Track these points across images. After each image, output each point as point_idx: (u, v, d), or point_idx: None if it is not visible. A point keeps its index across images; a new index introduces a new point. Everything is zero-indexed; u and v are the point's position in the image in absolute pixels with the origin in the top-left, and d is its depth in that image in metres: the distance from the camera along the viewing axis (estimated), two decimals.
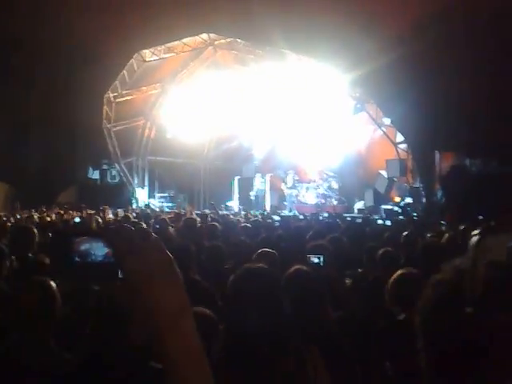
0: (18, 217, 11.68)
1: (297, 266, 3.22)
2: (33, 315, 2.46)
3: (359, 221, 10.39)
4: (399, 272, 3.19)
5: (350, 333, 3.04)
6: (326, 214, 12.52)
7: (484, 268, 1.01)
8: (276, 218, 10.58)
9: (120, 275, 0.96)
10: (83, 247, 1.00)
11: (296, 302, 2.75)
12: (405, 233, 6.40)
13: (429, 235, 7.67)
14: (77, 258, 1.00)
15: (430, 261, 3.81)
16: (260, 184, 22.67)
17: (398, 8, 14.05)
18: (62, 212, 13.87)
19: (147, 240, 0.98)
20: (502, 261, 1.01)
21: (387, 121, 18.53)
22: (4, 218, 10.66)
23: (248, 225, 7.94)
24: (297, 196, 22.02)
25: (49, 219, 10.99)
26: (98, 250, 1.00)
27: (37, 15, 18.62)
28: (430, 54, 15.43)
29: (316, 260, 3.75)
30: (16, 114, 23.55)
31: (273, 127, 22.37)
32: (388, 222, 9.84)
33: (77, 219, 10.34)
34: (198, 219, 7.57)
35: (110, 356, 2.07)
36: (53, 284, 2.63)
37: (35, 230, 5.68)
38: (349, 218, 10.86)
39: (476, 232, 1.07)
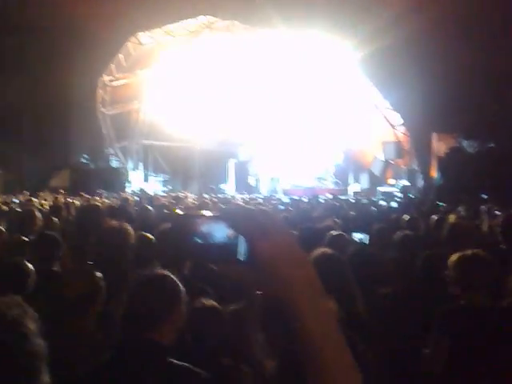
0: (17, 201, 11.53)
1: (321, 249, 3.14)
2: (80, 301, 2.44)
3: (365, 201, 10.36)
4: (463, 253, 3.13)
5: (403, 308, 3.00)
6: (329, 196, 12.46)
7: None
8: (284, 200, 10.48)
9: (239, 257, 0.93)
10: (204, 228, 0.97)
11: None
12: (406, 216, 6.34)
13: (434, 216, 7.67)
14: (197, 239, 0.97)
15: (459, 242, 3.78)
16: (256, 168, 22.64)
17: None
18: (58, 197, 13.70)
19: (273, 221, 0.94)
20: None
21: (385, 103, 18.48)
22: None
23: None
24: (292, 179, 21.99)
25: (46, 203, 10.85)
26: (219, 231, 0.96)
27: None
28: (428, 35, 15.37)
29: (360, 237, 3.70)
30: (8, 99, 23.19)
31: (269, 111, 22.22)
32: (394, 204, 9.83)
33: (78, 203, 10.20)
34: (209, 202, 7.48)
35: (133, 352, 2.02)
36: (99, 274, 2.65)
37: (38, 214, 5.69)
38: (352, 200, 10.82)
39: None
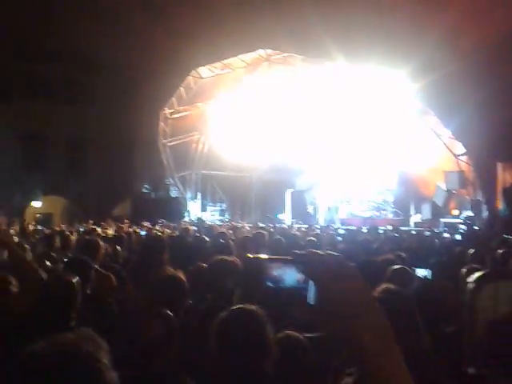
0: (81, 229, 11.98)
1: (385, 285, 3.04)
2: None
3: (427, 233, 10.05)
4: None
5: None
6: (389, 227, 12.18)
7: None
8: (341, 231, 10.34)
9: (309, 301, 0.96)
10: (276, 272, 1.01)
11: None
12: (471, 250, 6.05)
13: (500, 250, 7.33)
14: (269, 283, 1.01)
15: None
16: (313, 197, 22.54)
17: (471, 23, 13.79)
18: (121, 225, 14.12)
19: (343, 267, 0.97)
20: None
21: (447, 132, 18.03)
22: (67, 232, 10.90)
23: (313, 238, 7.81)
24: (350, 209, 21.70)
25: (110, 232, 11.21)
26: (290, 275, 1.00)
27: (98, 35, 19.28)
28: (492, 66, 14.98)
29: (424, 273, 3.60)
30: (75, 131, 24.43)
31: (325, 141, 22.18)
32: (458, 236, 9.47)
33: (142, 232, 10.47)
34: (265, 233, 7.49)
35: None
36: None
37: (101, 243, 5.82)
38: (414, 232, 10.51)
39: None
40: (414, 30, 14.47)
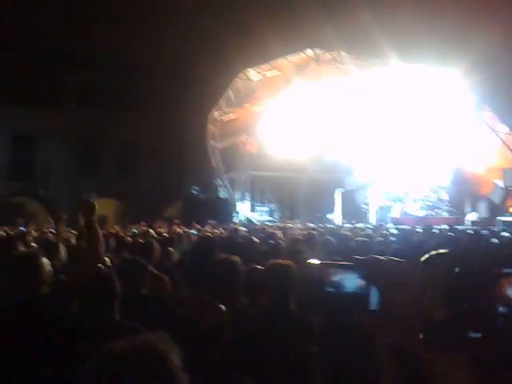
0: (136, 231, 12.24)
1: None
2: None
3: (484, 232, 9.66)
4: None
5: None
6: (445, 227, 11.79)
7: None
8: (393, 231, 10.11)
9: (371, 307, 0.95)
10: (336, 278, 1.00)
11: None
12: None
13: None
14: (329, 289, 1.00)
15: None
16: (364, 197, 22.20)
17: None
18: (173, 227, 14.33)
19: (404, 272, 0.97)
20: None
21: (504, 128, 17.33)
22: (121, 233, 11.14)
23: (366, 239, 7.65)
24: (403, 208, 21.21)
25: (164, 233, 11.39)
26: (350, 281, 0.99)
27: (150, 44, 19.70)
28: None
29: None
30: (126, 137, 25.12)
31: (376, 139, 21.76)
32: None
33: (193, 232, 10.57)
34: (315, 233, 7.40)
35: None
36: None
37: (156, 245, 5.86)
38: (470, 231, 10.13)
39: None
40: (469, 25, 13.99)
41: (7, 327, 2.68)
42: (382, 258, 1.01)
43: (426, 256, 2.61)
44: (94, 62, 22.65)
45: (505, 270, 1.01)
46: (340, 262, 1.03)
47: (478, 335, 1.31)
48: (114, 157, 25.73)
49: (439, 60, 15.98)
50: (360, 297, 0.96)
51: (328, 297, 0.99)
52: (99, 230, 3.97)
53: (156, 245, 5.90)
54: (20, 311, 2.75)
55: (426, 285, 2.17)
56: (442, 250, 2.76)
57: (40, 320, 2.76)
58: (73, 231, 10.58)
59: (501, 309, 0.92)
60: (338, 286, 0.99)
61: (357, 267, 0.99)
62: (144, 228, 12.66)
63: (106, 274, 3.15)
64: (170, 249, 7.43)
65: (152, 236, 9.64)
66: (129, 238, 9.67)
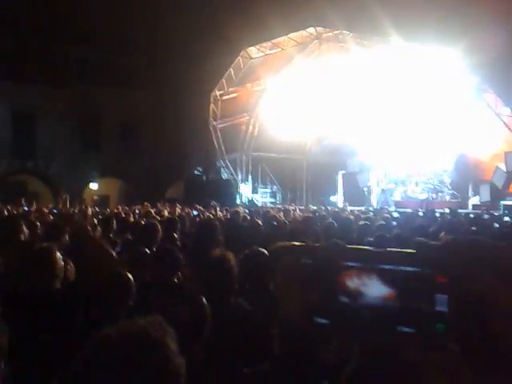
0: (137, 211, 12.27)
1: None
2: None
3: (486, 217, 9.66)
4: None
5: None
6: (447, 210, 11.79)
7: None
8: (395, 214, 10.10)
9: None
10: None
11: None
12: None
13: None
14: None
15: None
16: (366, 179, 22.15)
17: None
18: (176, 208, 14.34)
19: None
20: None
21: (507, 111, 17.19)
22: (123, 214, 11.13)
23: (367, 222, 7.65)
24: (405, 191, 21.19)
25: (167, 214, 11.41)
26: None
27: (149, 20, 19.50)
28: None
29: None
30: (128, 115, 24.98)
31: (378, 121, 21.62)
32: None
33: (195, 212, 10.59)
34: (314, 216, 7.39)
35: None
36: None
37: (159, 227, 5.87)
38: (472, 215, 10.13)
39: None
40: (469, 3, 13.81)
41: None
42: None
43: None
44: (94, 38, 22.42)
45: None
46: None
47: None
48: (115, 135, 25.66)
49: (438, 38, 15.77)
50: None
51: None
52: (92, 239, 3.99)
53: (158, 226, 5.90)
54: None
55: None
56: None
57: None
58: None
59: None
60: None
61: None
62: (147, 209, 12.68)
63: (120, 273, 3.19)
64: (173, 231, 7.48)
65: (154, 217, 9.67)
66: (131, 219, 9.70)
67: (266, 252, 3.43)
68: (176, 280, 4.15)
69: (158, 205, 14.54)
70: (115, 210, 12.32)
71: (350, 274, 0.70)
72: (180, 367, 1.14)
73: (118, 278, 3.10)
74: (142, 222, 7.47)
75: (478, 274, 0.71)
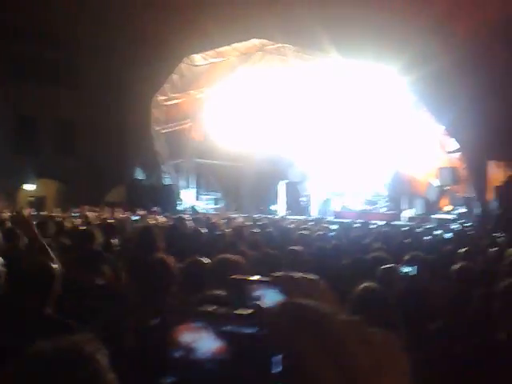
0: (76, 215, 11.98)
1: (366, 284, 3.13)
2: None
3: (419, 230, 10.14)
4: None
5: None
6: (381, 222, 12.27)
7: None
8: (333, 226, 10.41)
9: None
10: (257, 292, 0.89)
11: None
12: (463, 249, 6.07)
13: (492, 249, 7.40)
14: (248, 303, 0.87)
15: None
16: (306, 189, 22.62)
17: (462, 13, 13.78)
18: (115, 213, 14.12)
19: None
20: None
21: (440, 128, 18.10)
22: (58, 218, 10.79)
23: (305, 232, 7.87)
24: (344, 202, 21.78)
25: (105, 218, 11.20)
26: (270, 297, 0.88)
27: (90, 21, 19.13)
28: (485, 59, 15.03)
29: (408, 269, 3.69)
30: (66, 115, 24.28)
31: (319, 132, 22.20)
32: (449, 234, 9.59)
33: (135, 218, 10.46)
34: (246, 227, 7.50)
35: None
36: None
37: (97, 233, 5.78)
38: (405, 228, 10.61)
39: None
40: (404, 22, 14.50)
41: None
42: (296, 274, 0.96)
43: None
44: (32, 34, 21.62)
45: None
46: (259, 279, 0.92)
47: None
48: (52, 135, 24.85)
49: (376, 56, 16.43)
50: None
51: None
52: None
53: (97, 232, 5.80)
54: None
55: None
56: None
57: None
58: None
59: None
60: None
61: (273, 283, 0.89)
62: (86, 213, 12.42)
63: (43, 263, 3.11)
64: (111, 237, 7.36)
65: (93, 222, 9.49)
66: (68, 224, 9.47)
67: (207, 261, 3.49)
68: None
69: (97, 209, 14.26)
70: (50, 214, 11.95)
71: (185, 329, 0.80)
72: (111, 382, 1.16)
73: (41, 266, 3.04)
74: (81, 228, 7.34)
75: (298, 336, 0.81)
